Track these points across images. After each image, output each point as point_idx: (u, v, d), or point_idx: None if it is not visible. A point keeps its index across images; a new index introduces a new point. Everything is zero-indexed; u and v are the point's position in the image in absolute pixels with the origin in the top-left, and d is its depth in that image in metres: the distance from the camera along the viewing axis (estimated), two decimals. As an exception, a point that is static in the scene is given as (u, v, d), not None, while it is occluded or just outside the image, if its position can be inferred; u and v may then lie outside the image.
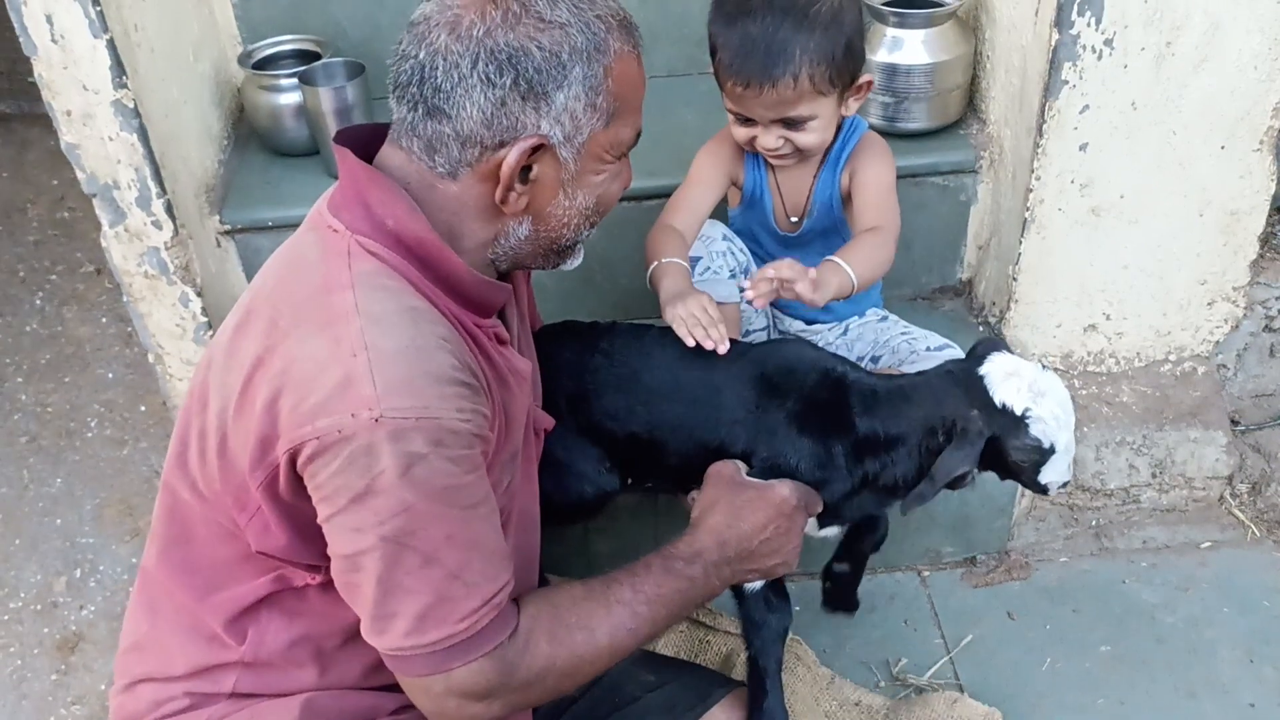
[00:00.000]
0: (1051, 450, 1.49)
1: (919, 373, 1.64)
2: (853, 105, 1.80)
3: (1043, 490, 1.54)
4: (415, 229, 1.24)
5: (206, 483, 1.28)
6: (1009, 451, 1.50)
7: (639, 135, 1.35)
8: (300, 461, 1.16)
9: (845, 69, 1.72)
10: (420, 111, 1.23)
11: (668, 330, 1.69)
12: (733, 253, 1.94)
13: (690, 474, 1.68)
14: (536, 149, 1.23)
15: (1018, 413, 1.48)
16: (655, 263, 1.78)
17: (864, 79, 1.78)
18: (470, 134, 1.22)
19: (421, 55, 1.21)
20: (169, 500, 1.36)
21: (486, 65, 1.19)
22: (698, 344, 1.62)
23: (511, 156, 1.22)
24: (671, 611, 1.39)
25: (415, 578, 1.19)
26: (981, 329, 2.29)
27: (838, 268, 1.71)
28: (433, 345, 1.20)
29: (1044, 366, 1.53)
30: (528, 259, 1.36)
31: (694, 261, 1.92)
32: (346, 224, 1.25)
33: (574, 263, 1.41)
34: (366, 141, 1.30)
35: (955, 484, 1.53)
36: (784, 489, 1.52)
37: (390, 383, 1.14)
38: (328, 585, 1.29)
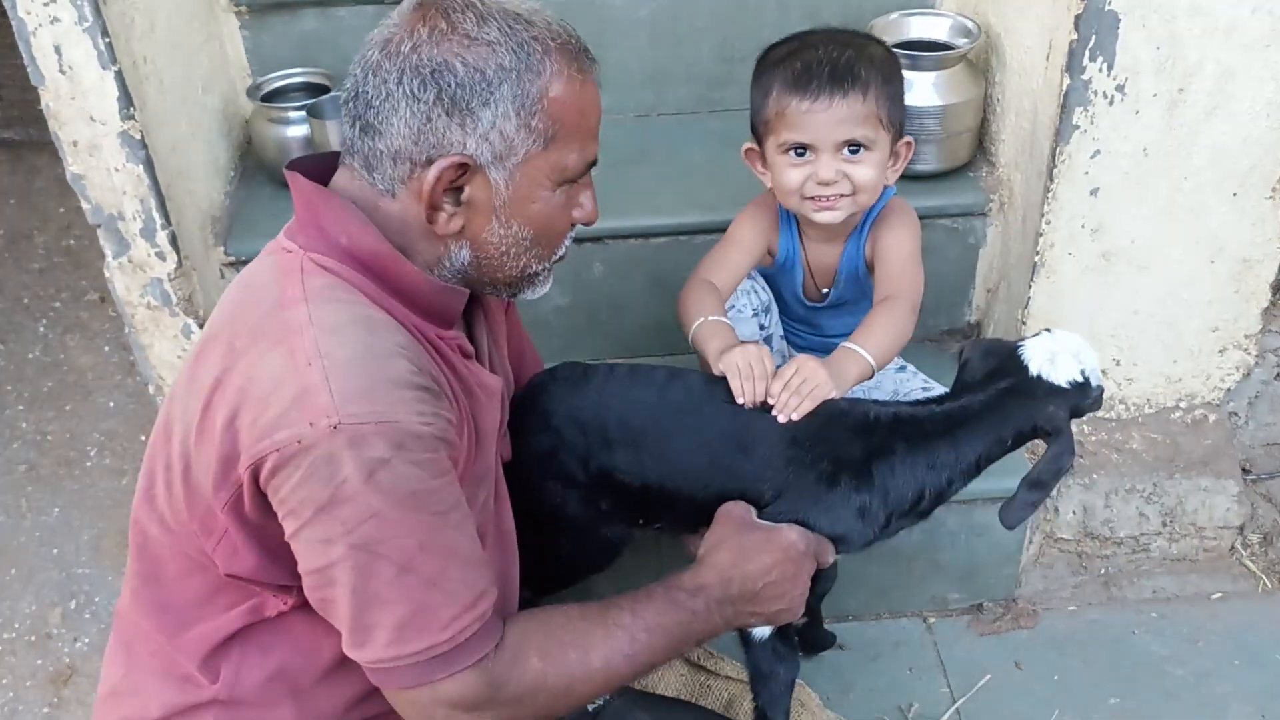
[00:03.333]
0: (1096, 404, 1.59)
1: (965, 398, 1.59)
2: (892, 176, 1.76)
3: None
4: (367, 242, 1.24)
5: (174, 514, 1.27)
6: (1085, 410, 1.57)
7: (591, 164, 1.32)
8: (263, 477, 1.15)
9: (897, 111, 1.71)
10: (357, 129, 1.24)
11: (679, 374, 1.67)
12: (756, 291, 1.92)
13: (701, 518, 1.65)
14: (463, 167, 1.23)
15: (1081, 380, 1.54)
16: (699, 320, 1.73)
17: (906, 139, 1.76)
18: (400, 150, 1.22)
19: (358, 73, 1.24)
20: (139, 538, 1.34)
21: (411, 80, 1.20)
22: (718, 390, 1.60)
23: (430, 173, 1.22)
24: (670, 643, 1.37)
25: (391, 587, 1.17)
26: (990, 373, 2.27)
27: (854, 355, 1.69)
28: (389, 351, 1.19)
29: (1049, 331, 1.58)
30: (477, 286, 1.35)
31: None
32: (300, 244, 1.26)
33: (535, 293, 1.39)
34: (322, 169, 1.31)
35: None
36: (793, 534, 1.49)
37: (346, 390, 1.14)
38: (302, 610, 1.27)
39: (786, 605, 1.49)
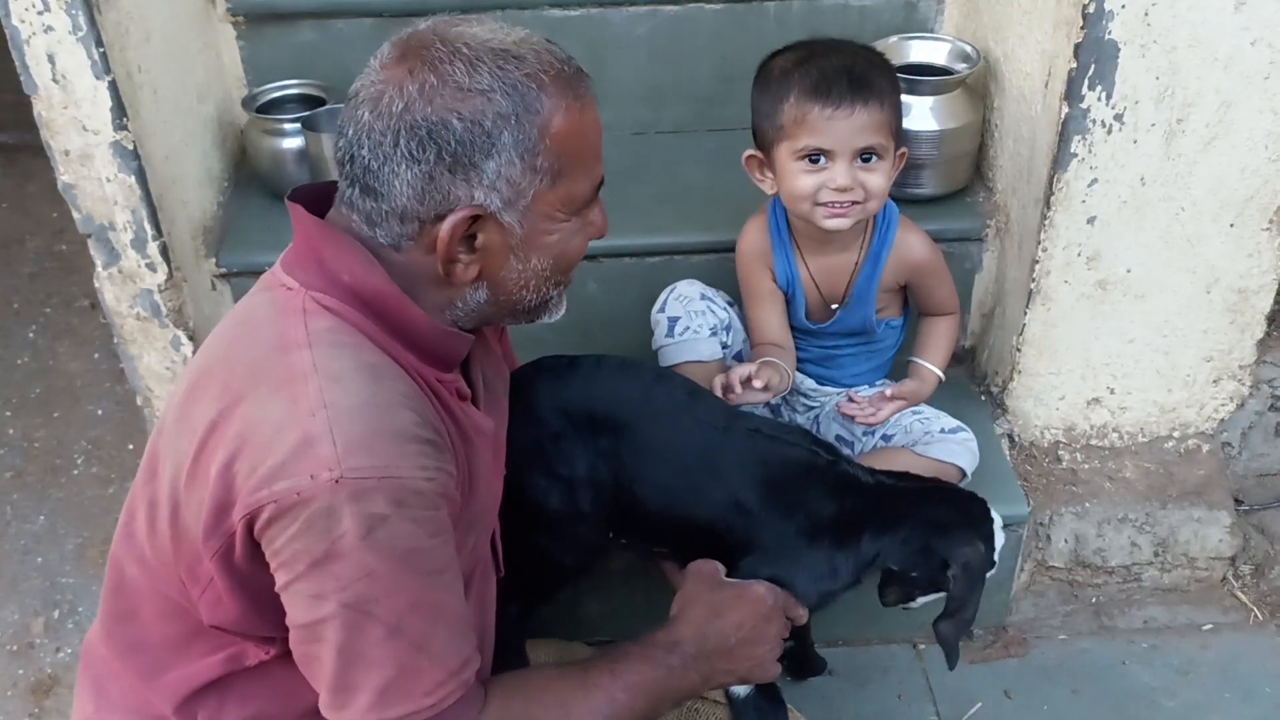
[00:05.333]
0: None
1: (937, 489, 1.67)
2: (890, 180, 1.79)
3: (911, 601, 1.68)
4: (373, 282, 1.20)
5: (156, 554, 1.24)
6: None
7: (599, 186, 1.30)
8: (258, 527, 1.12)
9: (899, 122, 1.76)
10: (357, 189, 1.20)
11: (667, 376, 1.71)
12: (712, 310, 1.94)
13: (666, 539, 1.65)
14: (474, 218, 1.20)
15: (994, 558, 1.64)
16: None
17: (901, 150, 1.80)
18: (405, 209, 1.19)
19: (350, 133, 1.19)
20: (115, 576, 1.31)
21: (408, 142, 1.16)
22: (700, 404, 1.65)
23: (444, 231, 1.19)
24: (649, 702, 1.35)
25: (378, 648, 1.14)
26: (984, 398, 2.26)
27: (929, 373, 1.95)
28: (395, 402, 1.16)
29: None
30: (494, 319, 1.34)
31: (673, 322, 1.92)
32: (301, 281, 1.22)
33: (552, 317, 1.37)
34: (319, 199, 1.28)
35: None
36: (761, 589, 1.50)
37: (350, 442, 1.10)
38: (282, 660, 1.24)
39: (758, 663, 1.49)
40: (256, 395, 1.14)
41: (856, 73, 1.70)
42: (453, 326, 1.29)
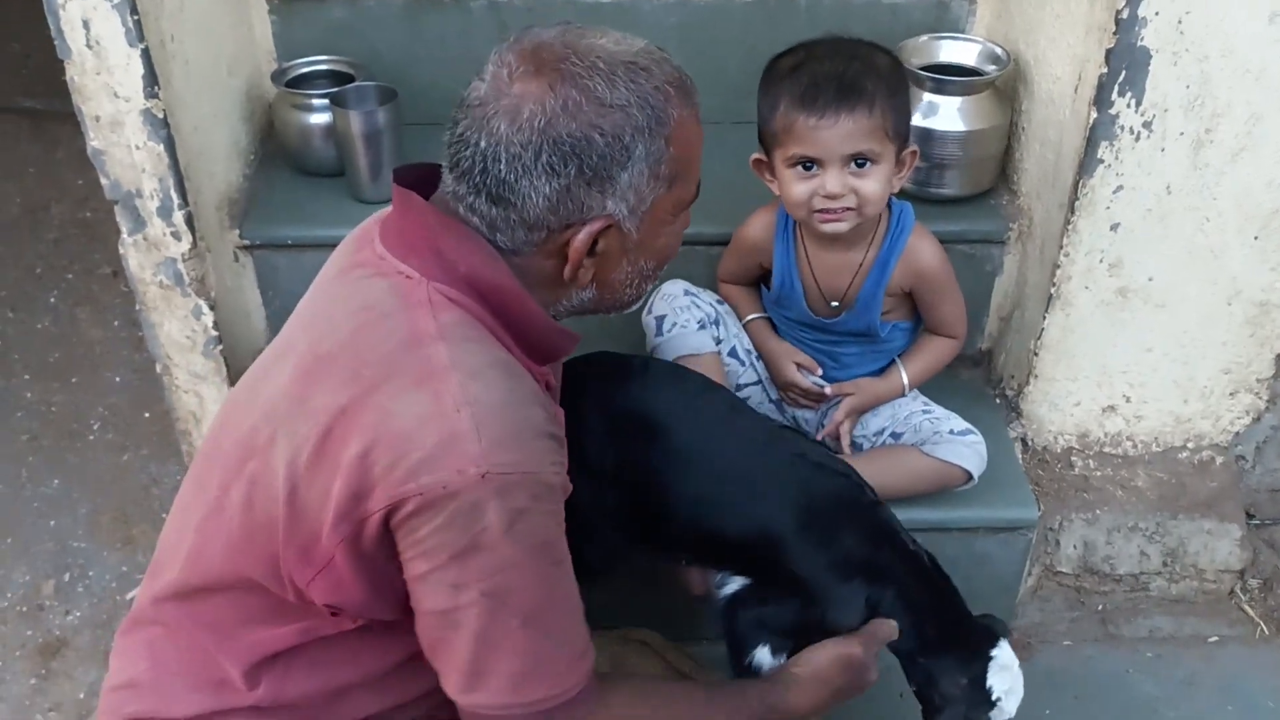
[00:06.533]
0: None
1: (957, 598, 1.65)
2: (897, 183, 1.79)
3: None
4: (492, 276, 1.23)
5: (251, 531, 1.24)
6: (965, 716, 1.61)
7: (700, 185, 1.34)
8: (398, 517, 1.14)
9: (903, 122, 1.74)
10: (484, 197, 1.22)
11: (713, 388, 1.70)
12: (697, 305, 1.95)
13: (690, 549, 1.64)
14: (605, 228, 1.23)
15: (992, 698, 1.59)
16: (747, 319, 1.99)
17: (912, 148, 1.79)
18: (536, 220, 1.22)
19: (483, 144, 1.20)
20: (195, 548, 1.31)
21: (550, 157, 1.18)
22: (742, 420, 1.66)
23: (580, 239, 1.22)
24: None
25: (513, 636, 1.18)
26: (998, 401, 2.26)
27: (896, 378, 1.98)
28: (528, 399, 1.20)
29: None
30: (587, 314, 1.37)
31: (660, 320, 1.94)
32: (419, 270, 1.23)
33: (636, 308, 1.41)
34: (416, 182, 1.29)
35: None
36: (859, 652, 1.52)
37: (495, 438, 1.14)
38: (354, 633, 1.28)
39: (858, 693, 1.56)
40: (392, 387, 1.16)
41: (846, 79, 1.69)
42: None
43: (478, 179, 1.21)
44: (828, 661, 1.49)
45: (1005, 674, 1.59)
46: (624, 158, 1.20)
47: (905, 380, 1.97)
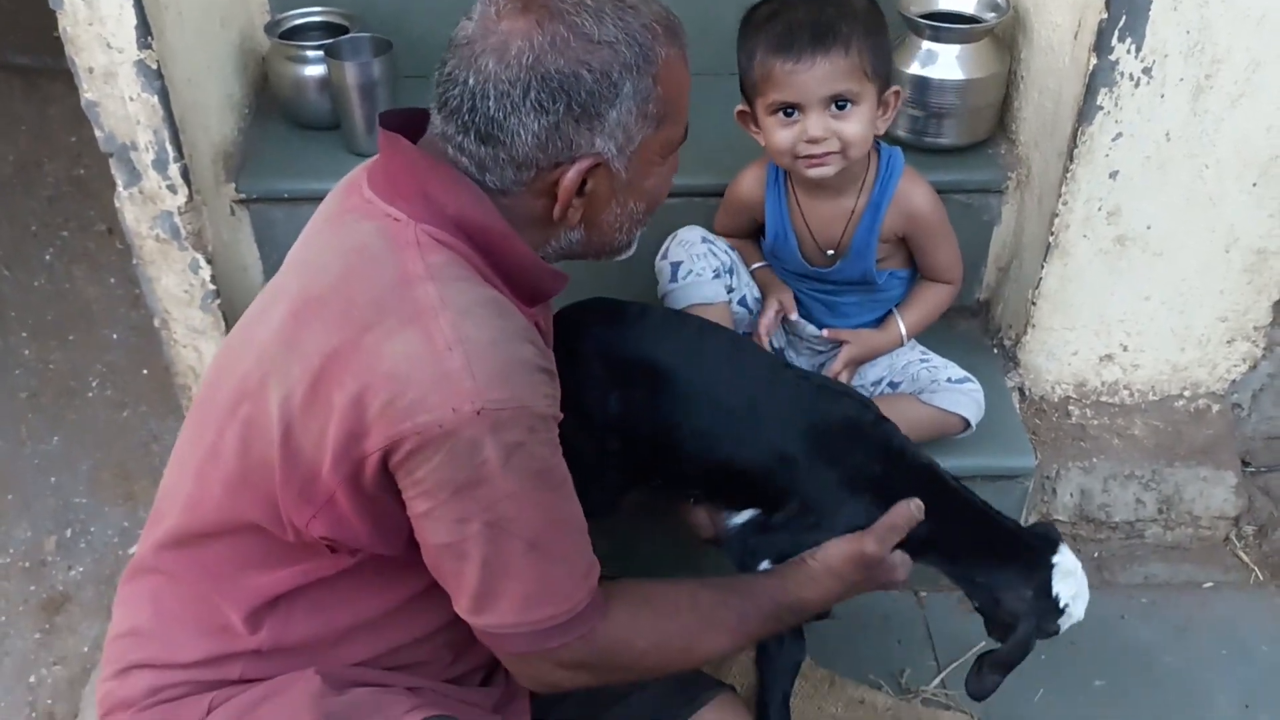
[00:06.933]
0: (1054, 634, 1.61)
1: (994, 512, 1.63)
2: (882, 125, 1.78)
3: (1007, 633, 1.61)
4: (481, 217, 1.24)
5: (248, 473, 1.25)
6: (1036, 628, 1.58)
7: (687, 129, 1.34)
8: (397, 458, 1.16)
9: (883, 61, 1.74)
10: (472, 136, 1.22)
11: (712, 327, 1.71)
12: (714, 253, 1.94)
13: (701, 484, 1.65)
14: (594, 166, 1.23)
15: (1061, 606, 1.57)
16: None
17: (895, 88, 1.78)
18: (525, 158, 1.22)
19: (471, 82, 1.20)
20: (193, 493, 1.32)
21: (539, 93, 1.19)
22: (745, 353, 1.68)
23: (570, 178, 1.23)
24: (755, 642, 1.58)
25: (519, 561, 1.21)
26: (996, 351, 2.26)
27: (895, 328, 1.98)
28: (518, 335, 1.21)
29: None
30: (578, 257, 1.37)
31: (675, 266, 1.93)
32: (407, 212, 1.24)
33: (627, 255, 1.42)
34: (403, 127, 1.29)
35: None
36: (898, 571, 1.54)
37: (488, 375, 1.15)
38: (353, 571, 1.30)
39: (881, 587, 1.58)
40: (384, 328, 1.17)
41: (821, 22, 1.69)
42: None
43: (466, 117, 1.22)
44: (840, 557, 1.50)
45: (1070, 579, 1.57)
46: (612, 95, 1.20)
47: (903, 330, 1.98)
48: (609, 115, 1.21)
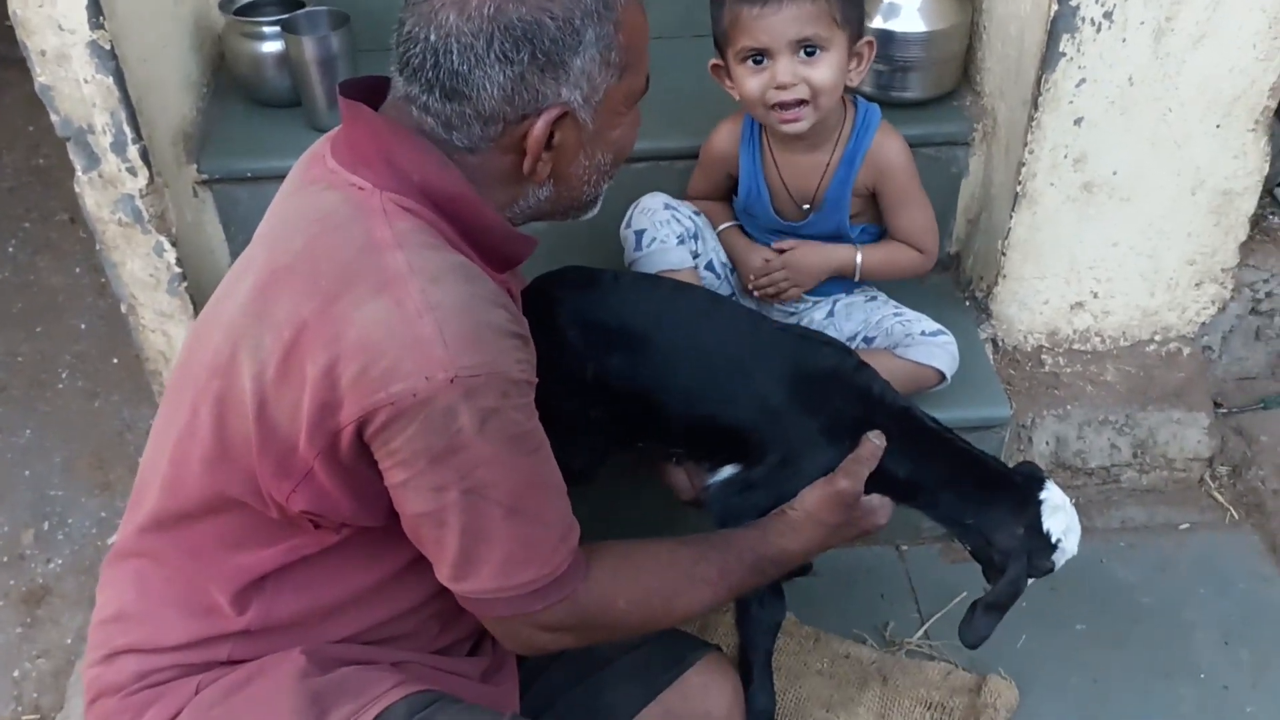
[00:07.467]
0: (1049, 570, 1.61)
1: (979, 452, 1.64)
2: (855, 76, 1.78)
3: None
4: (446, 184, 1.23)
5: (224, 450, 1.24)
6: (1032, 565, 1.60)
7: (649, 79, 1.34)
8: (372, 428, 1.15)
9: (853, 10, 1.73)
10: (437, 93, 1.21)
11: (687, 286, 1.71)
12: (677, 219, 1.94)
13: (685, 441, 1.65)
14: (560, 117, 1.22)
15: (1053, 542, 1.58)
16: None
17: (867, 38, 1.77)
18: (492, 112, 1.21)
19: (432, 38, 1.19)
20: (172, 473, 1.30)
21: (503, 43, 1.17)
22: (723, 309, 1.68)
23: (538, 129, 1.22)
24: (738, 595, 1.56)
25: (499, 526, 1.21)
26: (968, 304, 2.27)
27: (849, 251, 1.93)
28: (489, 300, 1.20)
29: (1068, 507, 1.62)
30: (545, 216, 1.36)
31: (639, 235, 1.92)
32: (372, 181, 1.22)
33: (593, 212, 1.41)
34: (364, 96, 1.27)
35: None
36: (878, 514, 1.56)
37: (460, 341, 1.14)
38: (338, 548, 1.29)
39: (860, 535, 1.60)
40: (353, 296, 1.15)
41: None
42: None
43: (429, 74, 1.20)
44: (815, 501, 1.52)
45: (1060, 514, 1.58)
46: (575, 42, 1.20)
47: (858, 261, 1.93)
48: (573, 64, 1.20)
